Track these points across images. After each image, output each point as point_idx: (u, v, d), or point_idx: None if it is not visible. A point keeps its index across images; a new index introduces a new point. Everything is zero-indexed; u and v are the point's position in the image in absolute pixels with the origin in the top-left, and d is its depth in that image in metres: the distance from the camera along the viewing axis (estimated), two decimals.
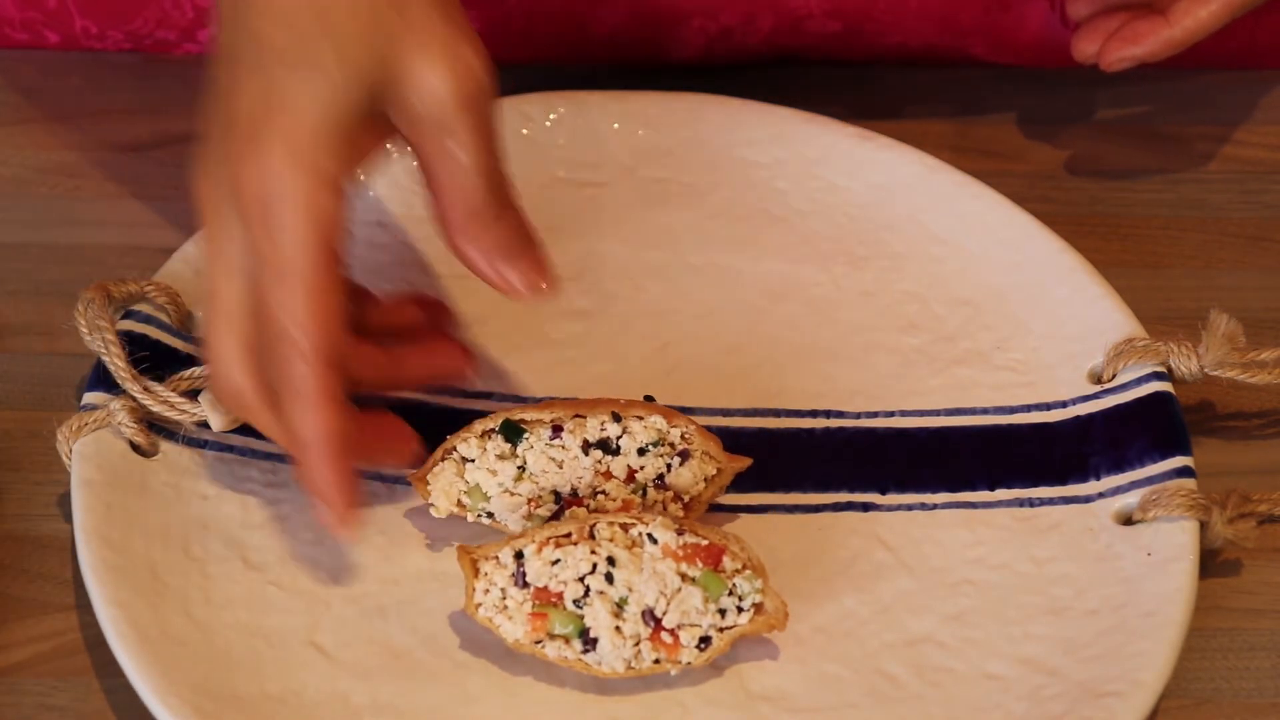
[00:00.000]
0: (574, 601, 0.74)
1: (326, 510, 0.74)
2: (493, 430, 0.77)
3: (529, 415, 0.77)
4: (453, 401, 0.83)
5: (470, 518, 0.78)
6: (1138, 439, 0.81)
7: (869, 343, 0.86)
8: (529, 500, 0.77)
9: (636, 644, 0.74)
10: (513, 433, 0.77)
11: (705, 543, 0.74)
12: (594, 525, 0.75)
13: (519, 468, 0.77)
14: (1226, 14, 0.87)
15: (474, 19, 0.91)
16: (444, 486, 0.78)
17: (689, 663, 0.74)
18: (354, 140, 0.73)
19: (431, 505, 0.78)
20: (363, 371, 0.77)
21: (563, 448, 0.77)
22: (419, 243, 0.88)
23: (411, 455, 0.78)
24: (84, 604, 0.77)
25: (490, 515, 0.78)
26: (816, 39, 0.95)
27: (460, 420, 0.82)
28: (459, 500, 0.78)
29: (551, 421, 0.77)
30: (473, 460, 0.77)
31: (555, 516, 0.78)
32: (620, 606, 0.74)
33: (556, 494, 0.77)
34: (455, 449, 0.78)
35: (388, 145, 0.76)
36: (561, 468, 0.77)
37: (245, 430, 0.81)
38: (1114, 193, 0.94)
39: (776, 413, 0.84)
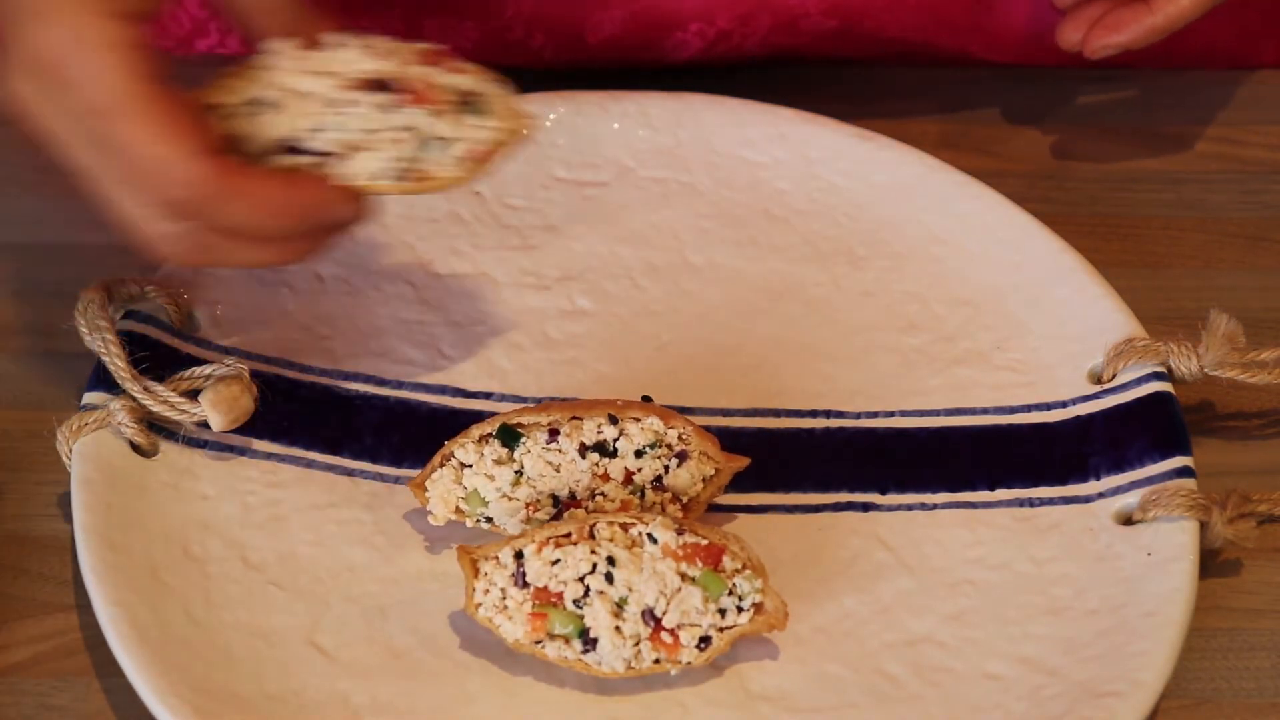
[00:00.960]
0: (574, 601, 0.74)
1: (349, 216, 0.73)
2: (490, 435, 0.77)
3: (526, 419, 0.77)
4: (451, 402, 0.83)
5: (469, 523, 0.78)
6: (1138, 439, 0.81)
7: (869, 343, 0.86)
8: (527, 505, 0.77)
9: (636, 644, 0.74)
10: (510, 437, 0.77)
11: (705, 542, 0.74)
12: (594, 525, 0.75)
13: (516, 472, 0.77)
14: (1207, 2, 0.88)
15: (472, 28, 0.92)
16: (442, 493, 0.77)
17: (689, 663, 0.74)
18: None
19: (430, 513, 0.78)
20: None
21: (560, 451, 0.77)
22: (419, 242, 0.88)
23: (357, 209, 0.74)
24: (84, 604, 0.77)
25: (489, 520, 0.78)
26: (814, 37, 0.95)
27: (458, 421, 0.82)
28: (457, 506, 0.78)
29: (548, 425, 0.77)
30: (470, 465, 0.77)
31: (554, 520, 0.78)
32: (620, 606, 0.74)
33: (555, 498, 0.77)
34: (453, 455, 0.78)
35: None
36: (559, 471, 0.77)
37: (245, 430, 0.81)
38: (1114, 193, 0.94)
39: (776, 413, 0.84)
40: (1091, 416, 0.83)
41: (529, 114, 0.78)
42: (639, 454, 0.77)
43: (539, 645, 0.74)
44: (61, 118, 0.71)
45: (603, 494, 0.77)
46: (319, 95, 0.73)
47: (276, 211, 0.71)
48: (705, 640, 0.74)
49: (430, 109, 0.74)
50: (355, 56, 0.74)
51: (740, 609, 0.74)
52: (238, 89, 0.74)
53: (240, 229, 0.72)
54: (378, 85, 0.73)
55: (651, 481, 0.78)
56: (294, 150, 0.73)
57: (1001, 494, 0.81)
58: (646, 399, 0.82)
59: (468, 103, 0.75)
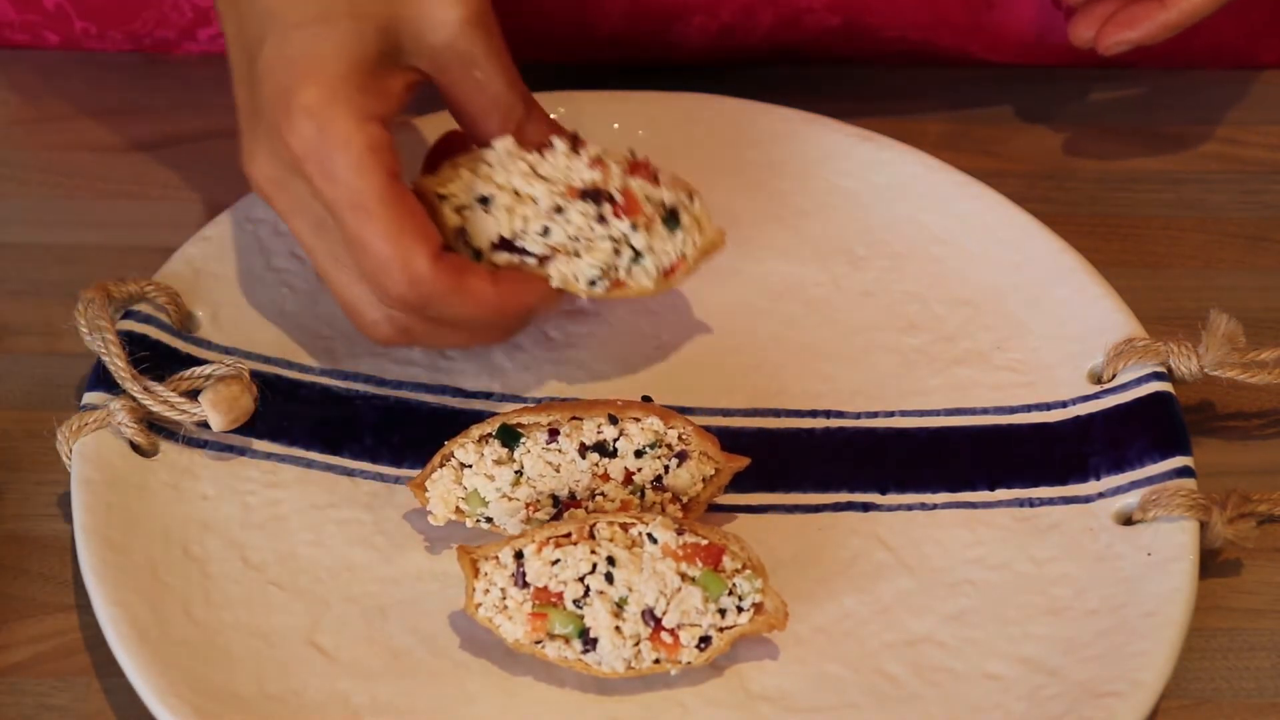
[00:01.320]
0: (574, 601, 0.74)
1: (538, 314, 0.80)
2: (490, 435, 0.77)
3: (525, 419, 0.77)
4: (451, 402, 0.83)
5: (469, 523, 0.78)
6: (1138, 439, 0.81)
7: (869, 343, 0.86)
8: (527, 505, 0.77)
9: (636, 644, 0.74)
10: (509, 437, 0.77)
11: (705, 542, 0.74)
12: (594, 525, 0.75)
13: (516, 472, 0.77)
14: None
15: None
16: (442, 493, 0.77)
17: (689, 663, 0.74)
18: (382, 83, 0.76)
19: (430, 513, 0.78)
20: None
21: (559, 451, 0.77)
22: None
23: (557, 306, 0.82)
24: (84, 604, 0.77)
25: (489, 520, 0.78)
26: (816, 34, 0.95)
27: (458, 421, 0.82)
28: (457, 507, 0.78)
29: (548, 425, 0.77)
30: (470, 466, 0.77)
31: (554, 520, 0.78)
32: (620, 606, 0.74)
33: (555, 498, 0.77)
34: (453, 455, 0.78)
35: (412, 90, 0.78)
36: (559, 471, 0.77)
37: (245, 430, 0.81)
38: (1114, 193, 0.94)
39: (776, 413, 0.84)
40: (1091, 416, 0.83)
41: (721, 231, 0.81)
42: (639, 454, 0.77)
43: (539, 645, 0.74)
44: (305, 204, 0.77)
45: (603, 494, 0.78)
46: (539, 198, 0.78)
47: (490, 309, 0.77)
48: (705, 640, 0.74)
49: (636, 220, 0.78)
50: (572, 164, 0.78)
51: (740, 609, 0.74)
52: (464, 180, 0.79)
53: (455, 321, 0.78)
54: (592, 195, 0.78)
55: (651, 481, 0.78)
56: (510, 248, 0.78)
57: (1001, 494, 0.81)
58: (646, 399, 0.82)
59: (668, 216, 0.79)
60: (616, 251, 0.79)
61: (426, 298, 0.76)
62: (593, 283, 0.79)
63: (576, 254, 0.79)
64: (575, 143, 0.79)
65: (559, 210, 0.78)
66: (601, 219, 0.78)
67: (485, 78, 0.78)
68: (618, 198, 0.78)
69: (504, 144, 0.79)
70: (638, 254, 0.79)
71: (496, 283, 0.77)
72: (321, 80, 0.74)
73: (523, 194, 0.78)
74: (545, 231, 0.78)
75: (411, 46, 0.77)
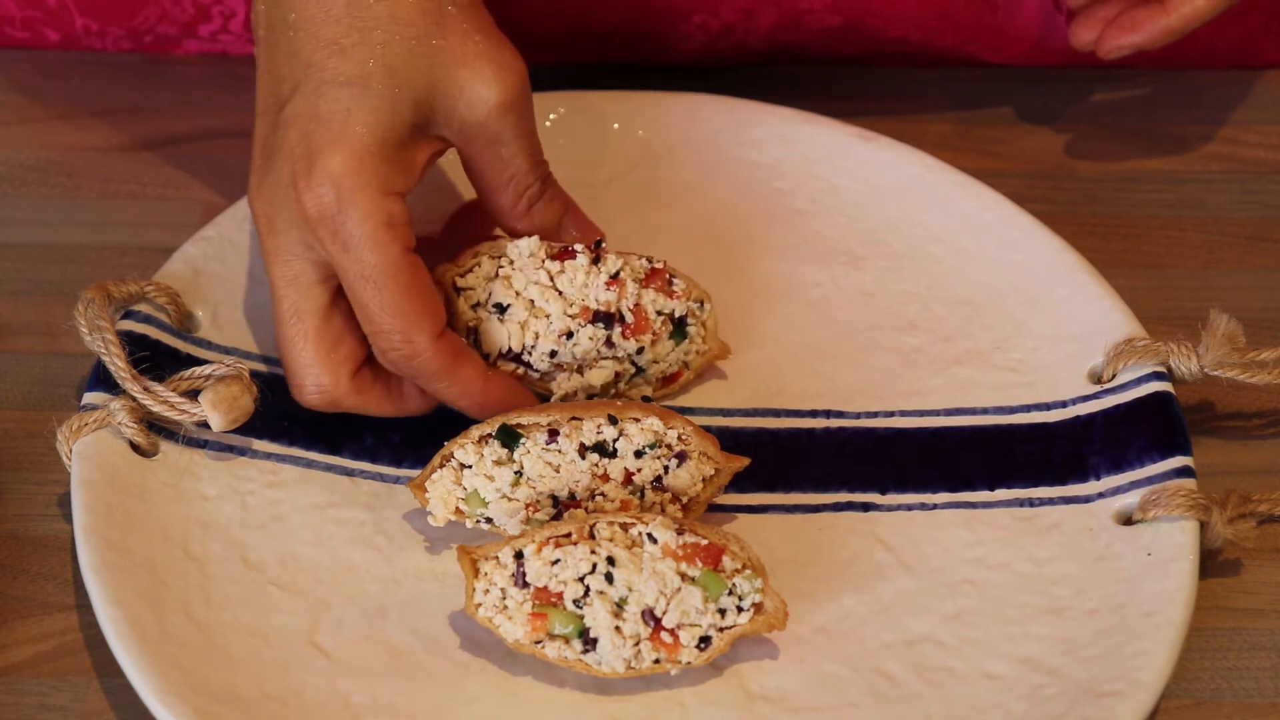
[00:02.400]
0: (574, 601, 0.74)
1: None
2: (489, 435, 0.77)
3: (525, 419, 0.77)
4: None
5: (469, 524, 0.78)
6: (1138, 439, 0.81)
7: (869, 343, 0.86)
8: (527, 505, 0.77)
9: (636, 644, 0.74)
10: (509, 437, 0.77)
11: (705, 542, 0.74)
12: (594, 525, 0.75)
13: (516, 473, 0.77)
14: (1223, 2, 0.88)
15: None
16: (442, 494, 0.77)
17: (689, 662, 0.74)
18: (408, 154, 0.77)
19: (430, 514, 0.78)
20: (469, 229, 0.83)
21: (559, 452, 0.77)
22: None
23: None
24: (84, 604, 0.77)
25: (489, 521, 0.78)
26: (817, 34, 0.95)
27: (458, 421, 0.82)
28: (457, 507, 0.78)
29: (548, 425, 0.77)
30: (470, 466, 0.77)
31: (554, 520, 0.78)
32: (620, 606, 0.74)
33: (554, 498, 0.77)
34: (452, 455, 0.78)
35: (434, 158, 0.80)
36: (559, 472, 0.77)
37: (245, 430, 0.81)
38: (1114, 193, 0.94)
39: (776, 413, 0.84)
40: (1091, 416, 0.83)
41: (726, 345, 0.83)
42: (639, 454, 0.77)
43: (539, 645, 0.74)
44: (290, 254, 0.78)
45: (602, 494, 0.78)
46: (552, 316, 0.80)
47: (473, 400, 0.79)
48: (705, 640, 0.74)
49: (642, 340, 0.80)
50: (590, 281, 0.80)
51: (740, 609, 0.74)
52: (484, 270, 0.81)
53: (439, 398, 0.79)
54: (604, 318, 0.80)
55: (651, 482, 0.78)
56: (517, 359, 0.81)
57: (1001, 494, 0.81)
58: (646, 399, 0.82)
59: (676, 328, 0.81)
60: (618, 375, 0.81)
61: (419, 371, 0.78)
62: (590, 395, 0.81)
63: (579, 370, 0.81)
64: (597, 252, 0.81)
65: (569, 335, 0.80)
66: (610, 342, 0.80)
67: (509, 156, 0.79)
68: (628, 318, 0.80)
69: (529, 244, 0.80)
70: (640, 369, 0.81)
71: (487, 378, 0.79)
72: (350, 148, 0.75)
73: (538, 306, 0.80)
74: (553, 353, 0.80)
75: (443, 119, 0.78)
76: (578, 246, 0.81)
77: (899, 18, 0.95)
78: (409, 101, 0.76)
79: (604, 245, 0.81)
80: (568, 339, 0.80)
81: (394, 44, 0.76)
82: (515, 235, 0.82)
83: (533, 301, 0.80)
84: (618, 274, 0.80)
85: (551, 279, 0.80)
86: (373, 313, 0.76)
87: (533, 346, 0.80)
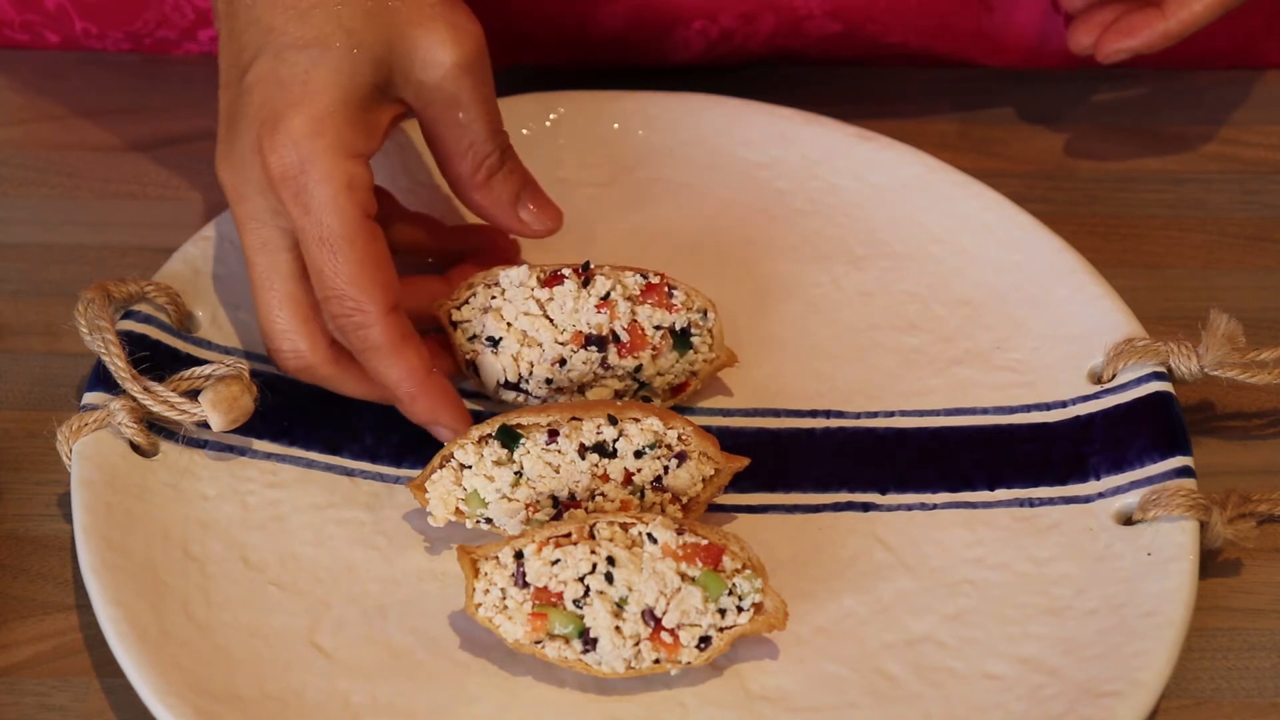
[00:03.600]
0: (574, 601, 0.74)
1: (442, 431, 0.80)
2: (489, 436, 0.77)
3: (525, 419, 0.77)
4: None
5: (469, 524, 0.78)
6: (1138, 439, 0.81)
7: (869, 343, 0.86)
8: (527, 505, 0.77)
9: (636, 644, 0.74)
10: (509, 438, 0.77)
11: (705, 542, 0.74)
12: (594, 525, 0.75)
13: (516, 473, 0.77)
14: (1221, 7, 0.88)
15: None
16: (442, 494, 0.77)
17: (689, 662, 0.74)
18: (369, 117, 0.77)
19: (430, 514, 0.78)
20: (421, 301, 0.82)
21: (559, 452, 0.77)
22: None
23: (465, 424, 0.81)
24: (84, 604, 0.77)
25: (489, 521, 0.78)
26: (817, 40, 0.95)
27: None
28: (457, 508, 0.78)
29: (548, 425, 0.77)
30: (470, 466, 0.77)
31: (554, 520, 0.78)
32: (620, 606, 0.74)
33: (554, 499, 0.77)
34: (452, 456, 0.78)
35: (396, 121, 0.80)
36: (558, 472, 0.77)
37: (245, 430, 0.81)
38: (1114, 193, 0.94)
39: (776, 413, 0.84)
40: (1091, 416, 0.83)
41: (733, 353, 0.83)
42: (638, 454, 0.77)
43: (539, 645, 0.74)
44: (260, 219, 0.78)
45: (602, 494, 0.78)
46: (544, 345, 0.80)
47: (413, 385, 0.78)
48: (705, 640, 0.74)
49: (640, 356, 0.80)
50: (580, 305, 0.80)
51: (740, 609, 0.74)
52: (479, 301, 0.81)
53: (377, 377, 0.79)
54: (596, 341, 0.80)
55: (651, 482, 0.78)
56: (515, 388, 0.81)
57: (1001, 494, 0.81)
58: (646, 399, 0.82)
59: (679, 339, 0.81)
60: (618, 392, 0.82)
61: (366, 343, 0.77)
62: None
63: (580, 391, 0.81)
64: (586, 274, 0.81)
65: (563, 362, 0.80)
66: (605, 364, 0.80)
67: (467, 121, 0.79)
68: (623, 337, 0.80)
69: (518, 274, 0.81)
70: (642, 384, 0.82)
71: (430, 373, 0.79)
72: (311, 109, 0.76)
73: (529, 336, 0.80)
74: (549, 381, 0.81)
75: (401, 81, 0.78)
76: (565, 271, 0.81)
77: (898, 24, 0.95)
78: (368, 62, 0.76)
79: (593, 266, 0.81)
80: (561, 366, 0.80)
81: (351, 5, 0.76)
82: (472, 207, 0.82)
83: (524, 332, 0.80)
84: (608, 295, 0.80)
85: (541, 307, 0.80)
86: (326, 276, 0.76)
87: (529, 376, 0.81)
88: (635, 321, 0.81)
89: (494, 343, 0.81)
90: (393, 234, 0.81)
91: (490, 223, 0.83)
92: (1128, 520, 0.80)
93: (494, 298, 0.81)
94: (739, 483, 0.80)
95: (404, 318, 0.78)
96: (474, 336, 0.81)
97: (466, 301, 0.81)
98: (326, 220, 0.76)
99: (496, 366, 0.81)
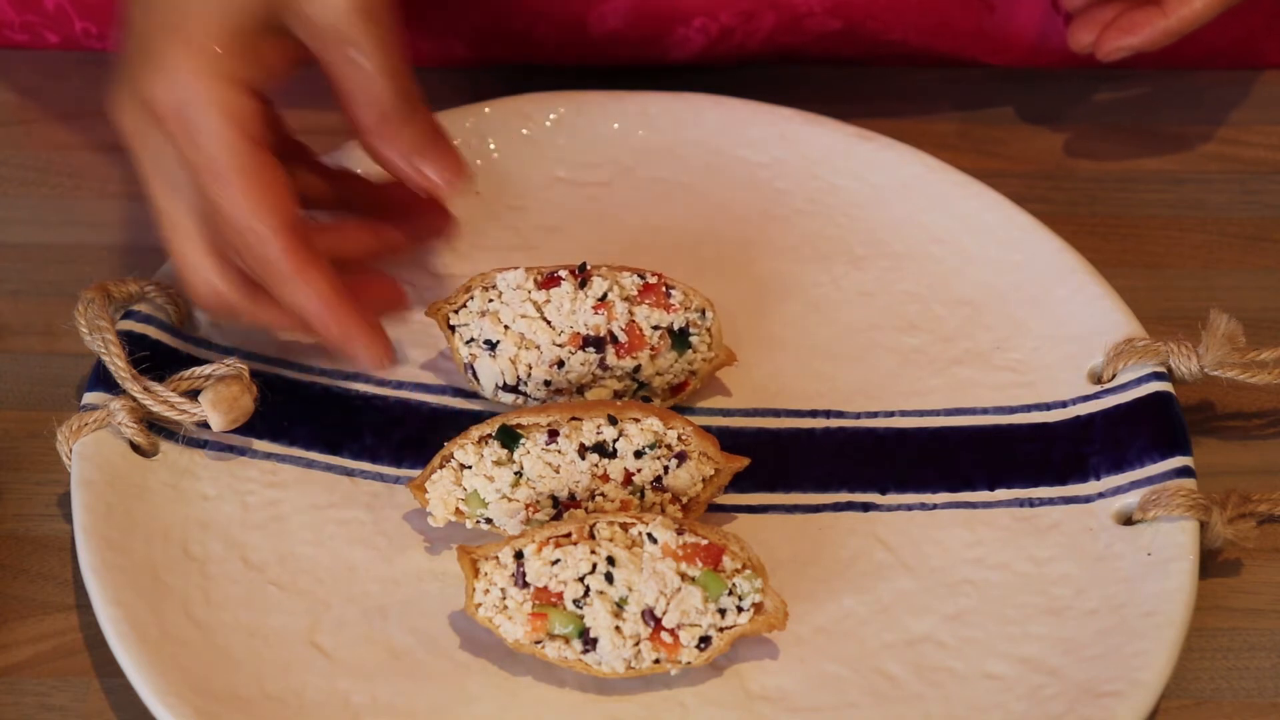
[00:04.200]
0: (574, 601, 0.74)
1: (362, 357, 0.78)
2: (489, 436, 0.77)
3: (525, 420, 0.77)
4: (451, 402, 0.83)
5: (469, 524, 0.78)
6: (1138, 439, 0.81)
7: (869, 343, 0.86)
8: (527, 506, 0.77)
9: (636, 644, 0.74)
10: (509, 438, 0.77)
11: (705, 542, 0.74)
12: (594, 525, 0.75)
13: (516, 473, 0.77)
14: (1220, 4, 0.88)
15: (474, 18, 0.91)
16: (442, 494, 0.77)
17: (689, 663, 0.74)
18: (257, 49, 0.76)
19: (430, 514, 0.78)
20: (345, 243, 0.81)
21: (559, 452, 0.77)
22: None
23: (401, 302, 0.82)
24: (84, 604, 0.77)
25: (489, 521, 0.78)
26: (817, 38, 0.95)
27: (458, 421, 0.82)
28: (457, 508, 0.78)
29: (548, 426, 0.77)
30: (470, 467, 0.77)
31: (554, 521, 0.78)
32: (620, 606, 0.74)
33: (554, 499, 0.77)
34: (452, 456, 0.78)
35: (295, 63, 0.78)
36: (558, 472, 0.77)
37: (245, 430, 0.81)
38: (1114, 193, 0.94)
39: (776, 413, 0.84)
40: (1091, 416, 0.83)
41: (732, 352, 0.82)
42: (638, 455, 0.77)
43: (539, 645, 0.74)
44: (161, 159, 0.76)
45: (602, 494, 0.78)
46: (542, 347, 0.80)
47: (323, 310, 0.76)
48: (705, 640, 0.74)
49: (639, 355, 0.80)
50: (576, 307, 0.80)
51: (740, 609, 0.74)
52: (477, 304, 0.81)
53: (286, 303, 0.77)
54: (594, 342, 0.80)
55: (651, 482, 0.78)
56: (515, 390, 0.81)
57: (1001, 494, 0.81)
58: (646, 399, 0.82)
59: (677, 339, 0.81)
60: (618, 392, 0.81)
61: (271, 270, 0.76)
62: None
63: (579, 392, 0.81)
64: (583, 275, 0.81)
65: (561, 364, 0.80)
66: (604, 365, 0.80)
67: (366, 66, 0.77)
68: (621, 337, 0.80)
69: (515, 276, 0.81)
70: (641, 384, 0.82)
71: (336, 290, 0.76)
72: (193, 40, 0.74)
73: (527, 339, 0.80)
74: (547, 383, 0.81)
75: (295, 20, 0.76)
76: (562, 273, 0.80)
77: (898, 21, 0.95)
78: None
79: (590, 268, 0.81)
80: (559, 368, 0.80)
81: None
82: (373, 155, 0.80)
83: (522, 335, 0.80)
84: (605, 296, 0.80)
85: (538, 309, 0.80)
86: (221, 207, 0.75)
87: (527, 378, 0.81)
88: (633, 322, 0.81)
89: (491, 346, 0.81)
90: (303, 184, 0.79)
91: (392, 174, 0.80)
92: (1128, 520, 0.80)
93: (490, 301, 0.81)
94: (739, 483, 0.80)
95: (307, 243, 0.76)
96: (471, 340, 0.81)
97: (464, 305, 0.81)
98: (211, 150, 0.74)
99: (494, 370, 0.81)
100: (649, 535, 0.74)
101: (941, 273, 0.88)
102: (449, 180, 0.80)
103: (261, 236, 0.75)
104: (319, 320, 0.77)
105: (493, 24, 0.93)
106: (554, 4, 0.93)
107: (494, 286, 0.81)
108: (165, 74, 0.74)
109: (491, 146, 0.91)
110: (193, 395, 0.80)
